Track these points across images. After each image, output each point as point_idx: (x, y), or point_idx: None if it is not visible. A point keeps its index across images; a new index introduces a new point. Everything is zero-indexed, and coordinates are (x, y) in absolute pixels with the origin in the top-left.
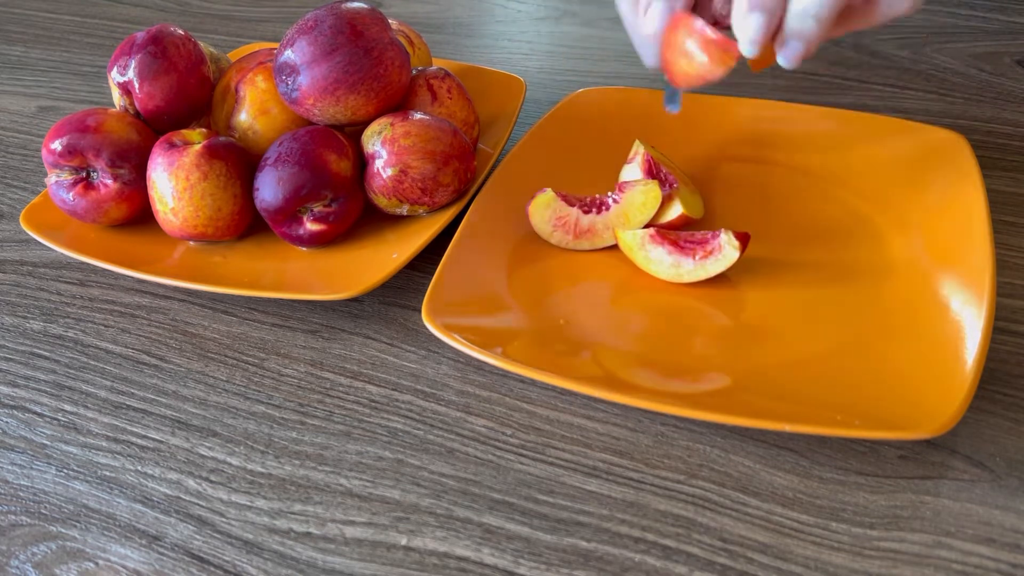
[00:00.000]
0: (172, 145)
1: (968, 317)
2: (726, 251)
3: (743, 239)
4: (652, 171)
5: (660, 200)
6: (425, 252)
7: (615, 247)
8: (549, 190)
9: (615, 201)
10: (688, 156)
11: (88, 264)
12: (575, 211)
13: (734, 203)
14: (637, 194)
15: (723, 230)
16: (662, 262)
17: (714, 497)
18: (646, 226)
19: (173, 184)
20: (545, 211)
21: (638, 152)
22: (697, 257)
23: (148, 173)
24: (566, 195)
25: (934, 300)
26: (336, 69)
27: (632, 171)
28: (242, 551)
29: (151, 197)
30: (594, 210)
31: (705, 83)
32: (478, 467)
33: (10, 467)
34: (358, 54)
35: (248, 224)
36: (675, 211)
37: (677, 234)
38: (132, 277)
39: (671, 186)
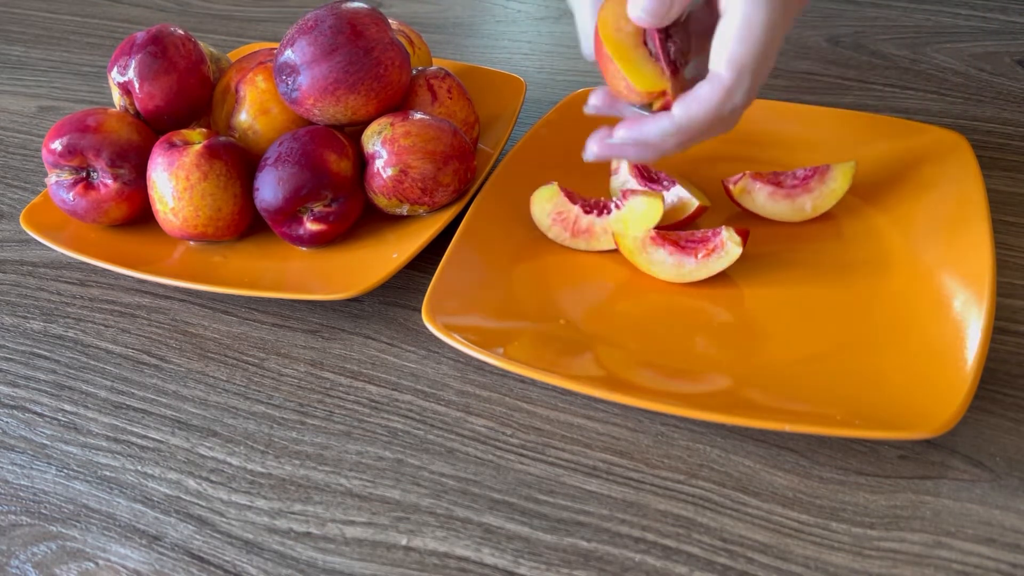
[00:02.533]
0: (172, 145)
1: (968, 317)
2: (728, 248)
3: (744, 235)
4: (642, 171)
5: (661, 214)
6: (425, 252)
7: (615, 248)
8: (555, 183)
9: (617, 206)
10: (687, 156)
11: (88, 264)
12: (576, 209)
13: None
14: (639, 203)
15: (724, 227)
16: (664, 263)
17: (714, 497)
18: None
19: (173, 184)
20: (547, 203)
21: None
22: (699, 256)
23: (148, 173)
24: (570, 192)
25: (934, 300)
26: (336, 69)
27: (622, 172)
28: (242, 551)
29: (151, 197)
30: (595, 211)
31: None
32: (478, 467)
33: (10, 467)
34: (358, 54)
35: (248, 224)
36: (692, 204)
37: (677, 234)
38: (132, 277)
39: (671, 184)
